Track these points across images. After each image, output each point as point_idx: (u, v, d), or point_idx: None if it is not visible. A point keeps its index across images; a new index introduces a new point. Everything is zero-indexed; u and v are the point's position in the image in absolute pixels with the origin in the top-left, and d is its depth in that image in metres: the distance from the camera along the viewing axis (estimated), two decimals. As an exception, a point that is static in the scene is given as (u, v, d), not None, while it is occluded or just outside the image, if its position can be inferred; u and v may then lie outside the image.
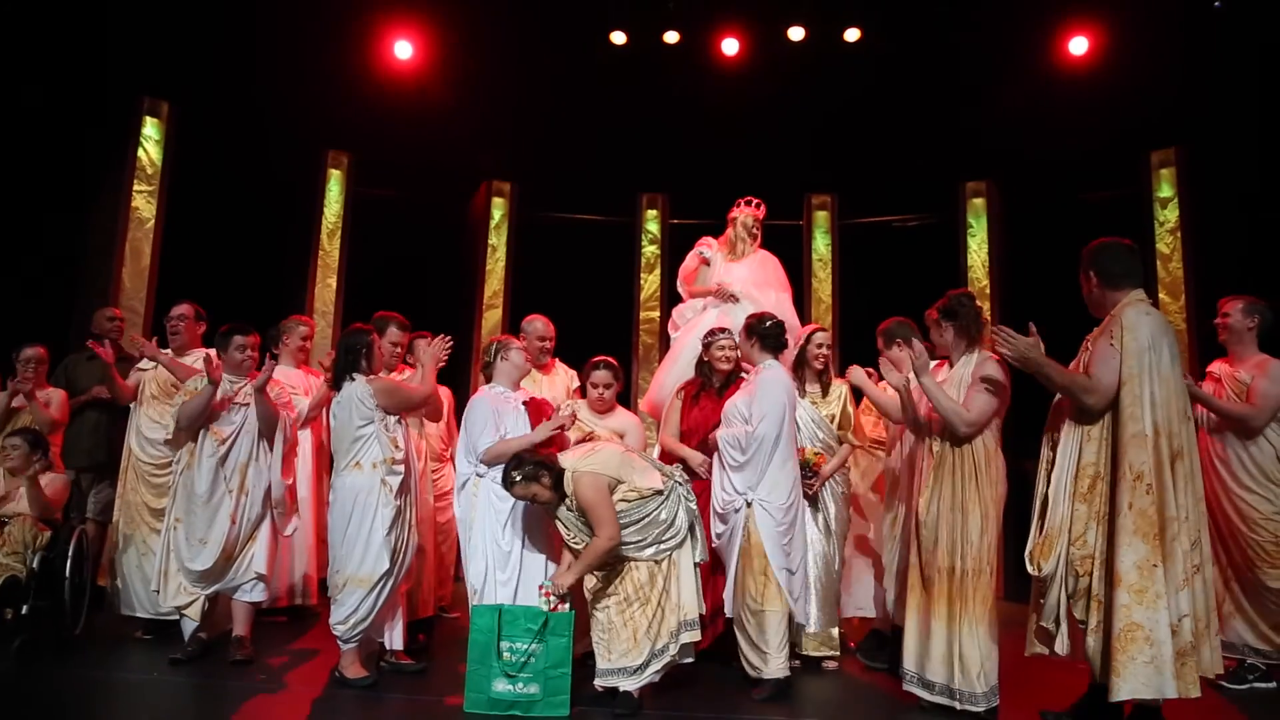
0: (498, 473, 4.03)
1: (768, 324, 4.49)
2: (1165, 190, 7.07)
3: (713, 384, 4.78)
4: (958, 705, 3.77)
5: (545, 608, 3.84)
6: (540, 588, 3.89)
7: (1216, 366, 4.77)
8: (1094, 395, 3.50)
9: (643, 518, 3.90)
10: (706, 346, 4.81)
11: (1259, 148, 6.76)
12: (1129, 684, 3.29)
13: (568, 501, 3.90)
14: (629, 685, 3.89)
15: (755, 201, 5.75)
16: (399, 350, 4.95)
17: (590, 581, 3.97)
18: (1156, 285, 6.93)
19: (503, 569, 4.08)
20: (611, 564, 3.94)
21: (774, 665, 4.18)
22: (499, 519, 4.11)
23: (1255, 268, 6.65)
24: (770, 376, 4.35)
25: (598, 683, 3.93)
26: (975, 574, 3.81)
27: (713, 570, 4.48)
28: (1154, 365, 3.44)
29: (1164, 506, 3.38)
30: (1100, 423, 3.52)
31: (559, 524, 3.94)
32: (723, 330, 4.81)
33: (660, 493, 3.95)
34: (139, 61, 6.78)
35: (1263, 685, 4.47)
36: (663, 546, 3.93)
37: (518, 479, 3.87)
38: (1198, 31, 6.74)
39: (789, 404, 4.30)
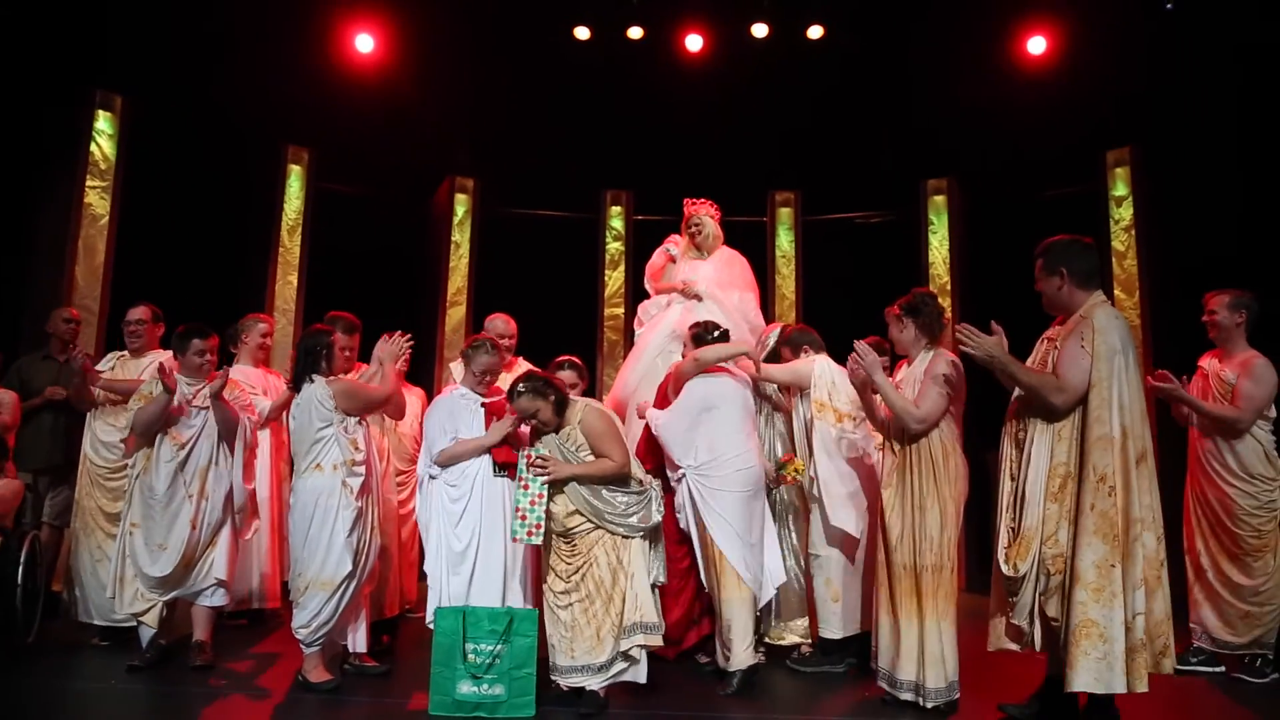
0: (450, 475, 4.08)
1: (714, 333, 4.65)
2: (1120, 188, 7.20)
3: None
4: (922, 702, 3.83)
5: (523, 467, 3.82)
6: (526, 454, 3.86)
7: (1207, 361, 4.74)
8: (1063, 395, 3.54)
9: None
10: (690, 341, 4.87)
11: (1211, 147, 6.91)
12: (1082, 677, 3.39)
13: (566, 431, 3.93)
14: (595, 683, 3.89)
15: (694, 201, 5.76)
16: (348, 353, 4.88)
17: (556, 583, 3.97)
18: (1112, 282, 7.06)
19: (456, 570, 4.06)
20: (574, 562, 3.94)
21: (738, 656, 4.23)
22: (451, 520, 4.09)
23: (1208, 265, 6.80)
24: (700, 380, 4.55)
25: (562, 682, 3.93)
26: (936, 570, 3.86)
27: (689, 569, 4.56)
28: (1123, 369, 3.51)
29: (1129, 507, 3.45)
30: (1071, 423, 3.56)
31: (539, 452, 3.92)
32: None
33: (641, 484, 4.02)
34: (90, 53, 6.62)
35: (1205, 669, 4.59)
36: (634, 526, 3.94)
37: (524, 390, 3.90)
38: (1152, 32, 6.88)
39: (702, 403, 4.48)
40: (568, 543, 3.96)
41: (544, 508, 3.85)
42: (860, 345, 4.01)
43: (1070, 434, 3.57)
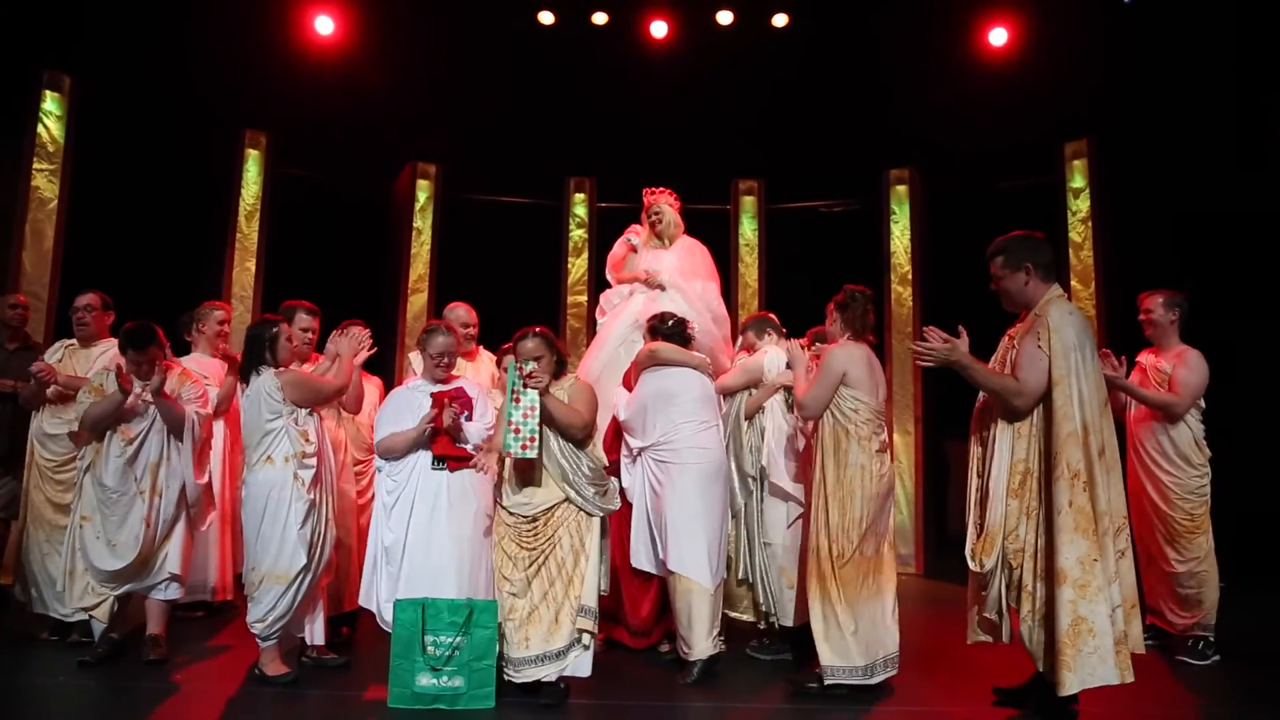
0: (391, 468, 4.06)
1: (669, 323, 4.71)
2: (1078, 180, 7.30)
3: None
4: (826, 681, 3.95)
5: (515, 379, 3.85)
6: (519, 366, 3.88)
7: (1144, 357, 4.95)
8: (1022, 398, 3.59)
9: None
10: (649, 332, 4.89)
11: (1167, 140, 7.04)
12: (1079, 675, 3.38)
13: (555, 392, 4.01)
14: (552, 672, 3.89)
15: (654, 190, 5.74)
16: (311, 337, 4.83)
17: (514, 571, 3.93)
18: (1069, 273, 7.17)
19: (387, 562, 4.03)
20: (537, 544, 3.95)
21: (699, 647, 4.25)
22: (385, 512, 4.06)
23: (1162, 256, 6.94)
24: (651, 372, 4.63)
25: (517, 677, 3.89)
26: (837, 556, 3.98)
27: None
28: (1080, 364, 3.55)
29: (1096, 501, 3.49)
30: (1030, 421, 3.61)
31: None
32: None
33: (604, 472, 4.10)
34: (37, 31, 6.44)
35: (1150, 642, 4.70)
36: (600, 504, 3.99)
37: (537, 335, 4.04)
38: (1111, 27, 6.97)
39: (659, 392, 4.56)
40: (530, 525, 3.95)
41: (536, 421, 3.84)
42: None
43: (1029, 431, 3.61)
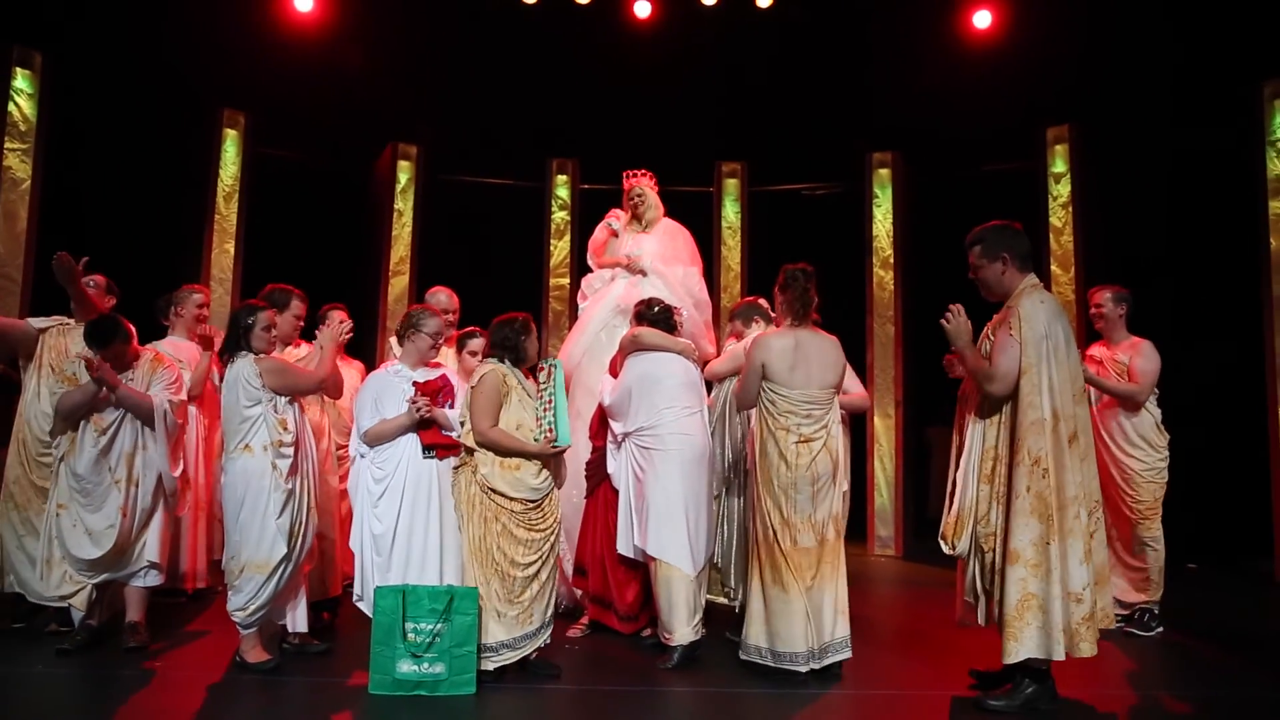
0: (375, 454, 4.05)
1: (655, 309, 4.69)
2: (1059, 165, 7.33)
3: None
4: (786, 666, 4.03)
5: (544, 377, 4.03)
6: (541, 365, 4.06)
7: (1096, 350, 5.18)
8: (995, 383, 3.64)
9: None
10: (636, 317, 4.86)
11: (1148, 125, 7.06)
12: (1024, 646, 3.51)
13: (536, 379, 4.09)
14: (536, 646, 3.99)
15: (634, 173, 5.72)
16: (301, 324, 4.81)
17: (526, 555, 3.94)
18: (1049, 258, 7.21)
19: (378, 552, 4.03)
20: (547, 526, 4.02)
21: (679, 632, 4.29)
22: (372, 500, 4.05)
23: (1140, 241, 6.99)
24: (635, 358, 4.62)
25: (513, 657, 3.93)
26: (761, 540, 4.08)
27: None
28: (1050, 352, 3.60)
29: (1064, 487, 3.56)
30: (1001, 408, 3.68)
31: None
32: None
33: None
34: (6, 5, 6.30)
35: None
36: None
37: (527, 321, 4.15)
38: (1094, 11, 6.97)
39: (643, 378, 4.54)
40: (538, 510, 3.99)
41: (554, 414, 3.97)
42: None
43: (999, 419, 3.68)
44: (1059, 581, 3.51)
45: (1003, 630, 3.55)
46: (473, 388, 3.98)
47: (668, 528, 4.38)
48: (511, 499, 3.94)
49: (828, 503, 4.08)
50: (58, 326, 4.93)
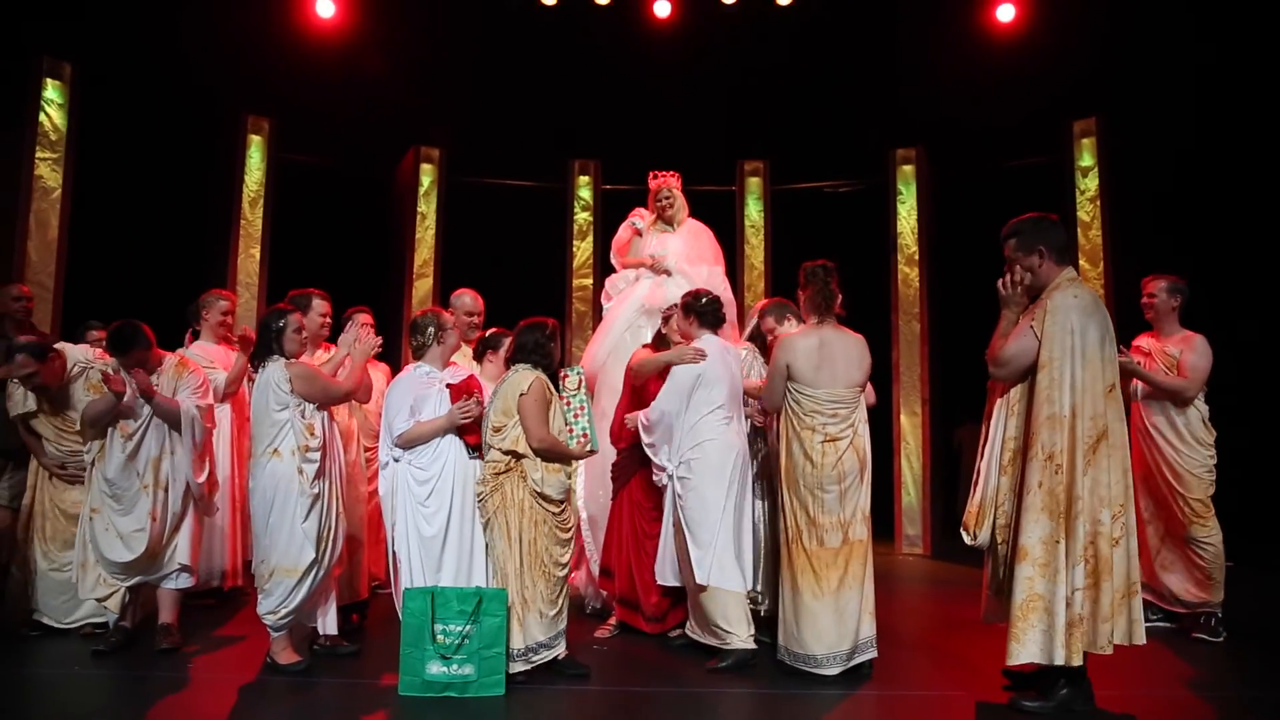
0: (415, 456, 4.04)
1: (704, 300, 4.59)
2: (1086, 159, 7.24)
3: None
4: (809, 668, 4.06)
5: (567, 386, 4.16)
6: (563, 374, 4.19)
7: (1144, 341, 5.01)
8: (998, 368, 3.68)
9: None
10: (666, 320, 4.89)
11: (1176, 118, 6.96)
12: (1027, 649, 3.47)
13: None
14: (561, 649, 4.01)
15: (662, 173, 5.71)
16: (328, 321, 4.84)
17: (563, 554, 4.02)
18: (1077, 252, 7.12)
19: (428, 554, 4.03)
20: (572, 521, 4.14)
21: (739, 636, 4.22)
22: (419, 503, 4.05)
23: (1171, 236, 6.89)
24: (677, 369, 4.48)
25: (548, 656, 3.97)
26: (788, 544, 4.13)
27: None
28: (1077, 349, 3.53)
29: (1073, 485, 3.49)
30: (1022, 398, 3.63)
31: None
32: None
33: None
34: (37, 19, 6.40)
35: (1165, 624, 4.86)
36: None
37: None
38: (1120, 2, 6.87)
39: (696, 380, 4.39)
40: (568, 510, 4.09)
41: (587, 419, 4.15)
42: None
43: (1021, 409, 3.64)
44: (1065, 583, 3.45)
45: (1011, 627, 3.50)
46: (523, 395, 3.94)
47: (713, 550, 4.25)
48: (552, 501, 3.97)
49: (854, 500, 4.08)
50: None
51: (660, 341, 4.94)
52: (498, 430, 3.98)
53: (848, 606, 4.00)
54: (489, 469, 4.01)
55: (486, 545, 4.04)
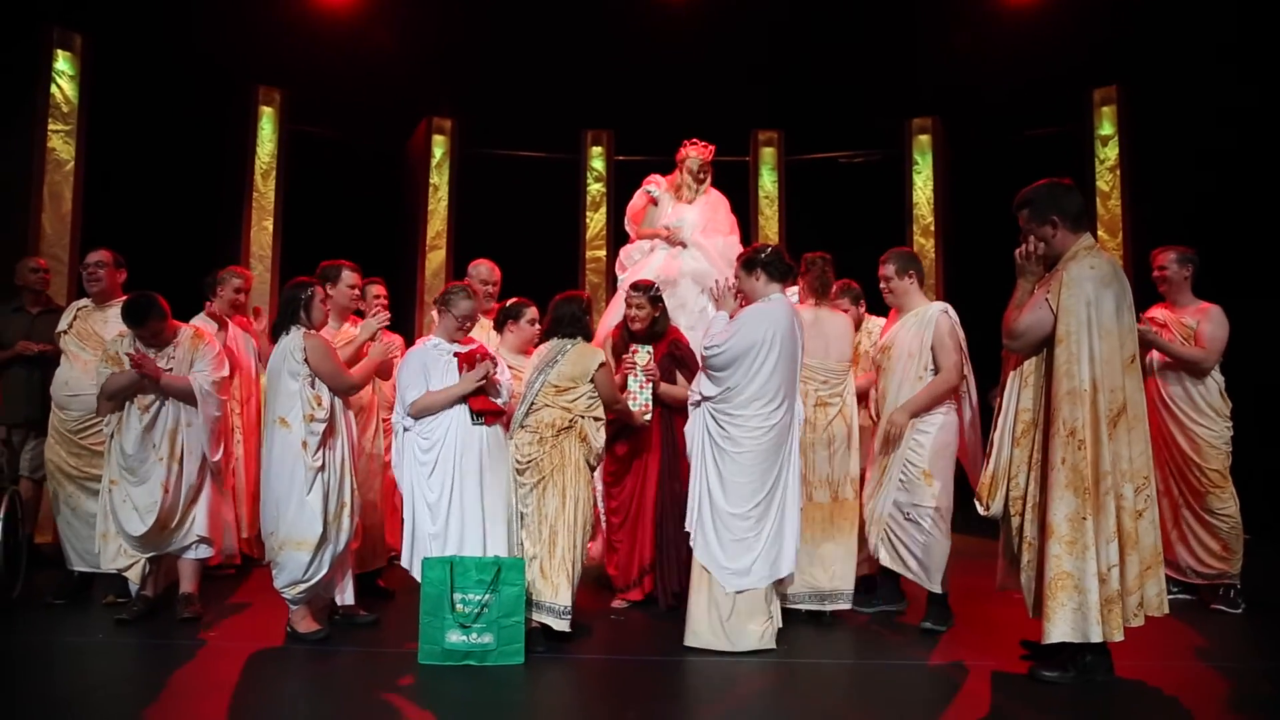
0: (422, 426, 4.08)
1: (768, 251, 4.16)
2: (1106, 128, 7.14)
3: (627, 341, 4.87)
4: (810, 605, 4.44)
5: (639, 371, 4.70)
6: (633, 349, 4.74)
7: (1158, 312, 4.94)
8: (1012, 340, 3.65)
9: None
10: (625, 300, 4.90)
11: (1197, 85, 6.84)
12: (1059, 628, 3.45)
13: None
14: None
15: (702, 144, 5.65)
16: (357, 294, 4.86)
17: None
18: (1096, 223, 7.05)
19: (431, 522, 4.05)
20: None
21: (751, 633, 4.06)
22: (425, 470, 4.07)
23: (1191, 205, 6.79)
24: (760, 309, 4.08)
25: (561, 623, 3.99)
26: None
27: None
28: (1094, 321, 3.48)
29: (1099, 460, 3.46)
30: (1037, 370, 3.60)
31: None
32: (634, 289, 4.84)
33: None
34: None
35: (1184, 596, 4.83)
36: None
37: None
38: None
39: (770, 337, 3.98)
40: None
41: (650, 390, 4.71)
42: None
43: (1036, 381, 3.60)
44: (1096, 559, 3.42)
45: (1041, 608, 3.50)
46: (603, 364, 4.18)
47: (743, 550, 4.02)
48: (598, 463, 4.24)
49: (843, 465, 4.51)
50: (78, 312, 4.97)
51: (625, 327, 4.87)
52: (564, 391, 4.08)
53: (829, 555, 4.43)
54: (546, 428, 4.05)
55: (520, 511, 4.10)
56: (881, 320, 4.95)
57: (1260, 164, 6.66)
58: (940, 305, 4.47)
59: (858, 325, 5.01)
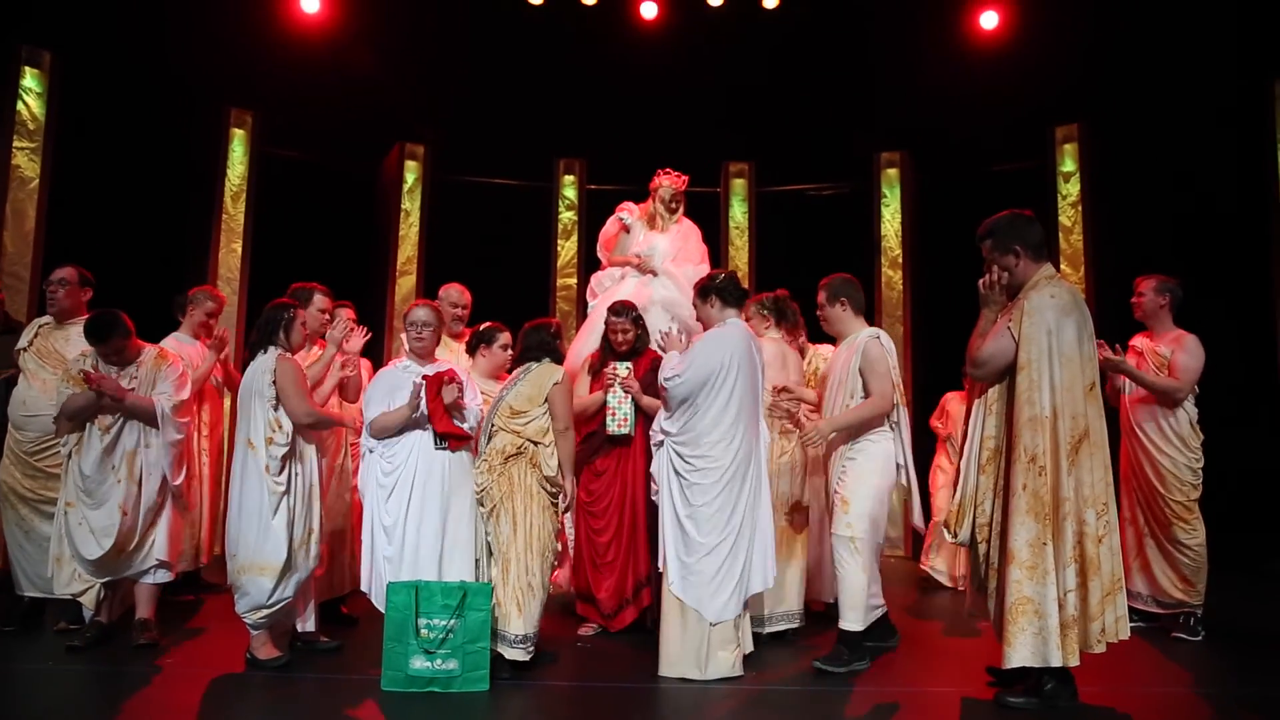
0: (384, 447, 4.04)
1: (721, 278, 4.26)
2: (1068, 164, 7.31)
3: (610, 359, 4.93)
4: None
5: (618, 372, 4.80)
6: (614, 366, 4.81)
7: (1139, 340, 4.97)
8: (975, 369, 3.70)
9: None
10: (608, 323, 4.95)
11: (1157, 124, 7.04)
12: (1019, 653, 3.47)
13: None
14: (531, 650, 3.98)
15: (676, 173, 5.71)
16: (327, 318, 4.80)
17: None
18: (1059, 257, 7.19)
19: (387, 544, 3.99)
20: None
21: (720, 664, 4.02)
22: (383, 493, 4.02)
23: (1153, 240, 6.96)
24: (715, 333, 4.16)
25: (531, 651, 3.95)
26: None
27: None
28: (1055, 349, 3.53)
29: (1059, 486, 3.50)
30: (1001, 397, 3.64)
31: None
32: (616, 313, 4.91)
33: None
34: (15, 5, 6.30)
35: (1142, 625, 4.79)
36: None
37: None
38: (1103, 9, 6.96)
39: (728, 361, 4.03)
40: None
41: (630, 405, 4.76)
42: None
43: (999, 408, 3.65)
44: (1055, 584, 3.45)
45: (1001, 634, 3.52)
46: (557, 384, 4.11)
47: (713, 583, 3.98)
48: (555, 487, 4.10)
49: (801, 490, 4.71)
50: (39, 329, 4.83)
51: (606, 347, 4.95)
52: (518, 414, 4.06)
53: (790, 579, 4.60)
54: (495, 455, 4.03)
55: (486, 540, 4.06)
56: (830, 348, 4.94)
57: (1219, 197, 6.85)
58: (871, 331, 4.32)
59: (802, 353, 5.19)
